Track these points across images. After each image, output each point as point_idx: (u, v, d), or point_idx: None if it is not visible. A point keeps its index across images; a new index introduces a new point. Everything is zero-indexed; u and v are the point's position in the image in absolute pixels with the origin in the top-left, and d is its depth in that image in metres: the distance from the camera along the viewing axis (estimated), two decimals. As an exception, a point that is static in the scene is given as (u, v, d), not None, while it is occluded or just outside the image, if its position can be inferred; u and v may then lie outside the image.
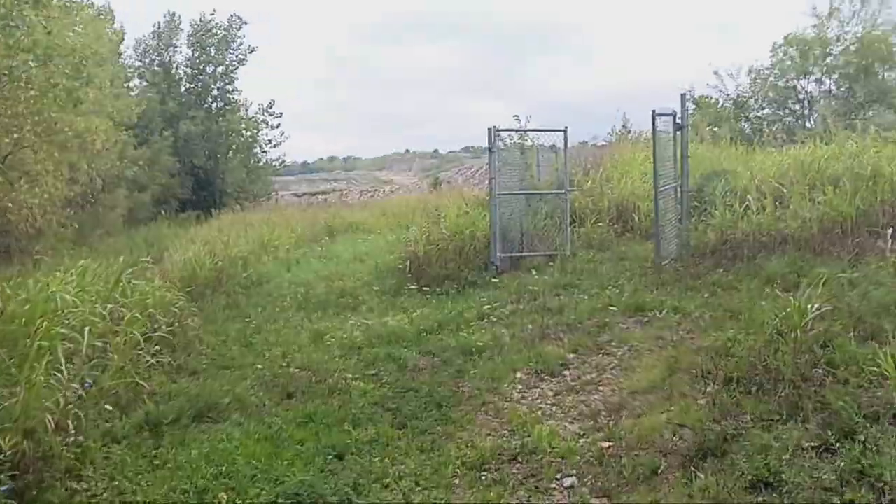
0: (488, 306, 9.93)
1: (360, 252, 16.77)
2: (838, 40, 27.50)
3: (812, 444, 4.63)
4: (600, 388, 6.71)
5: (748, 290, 8.97)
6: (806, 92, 28.59)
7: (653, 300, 9.00)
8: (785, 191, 13.60)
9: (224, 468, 5.54)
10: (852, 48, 26.59)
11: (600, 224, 14.62)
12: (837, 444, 4.50)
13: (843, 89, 27.33)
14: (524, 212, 13.97)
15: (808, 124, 27.27)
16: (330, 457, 5.68)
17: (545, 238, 13.48)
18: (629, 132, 24.00)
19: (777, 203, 12.76)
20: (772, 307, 7.26)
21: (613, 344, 7.82)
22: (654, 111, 11.26)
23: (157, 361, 7.92)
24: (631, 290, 9.67)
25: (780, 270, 9.41)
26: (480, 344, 8.20)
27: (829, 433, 4.64)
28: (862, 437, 4.51)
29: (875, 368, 5.31)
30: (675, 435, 5.27)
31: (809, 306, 6.14)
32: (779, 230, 10.94)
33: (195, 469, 5.52)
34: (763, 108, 29.29)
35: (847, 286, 7.72)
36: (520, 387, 7.01)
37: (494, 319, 9.40)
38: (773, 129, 28.07)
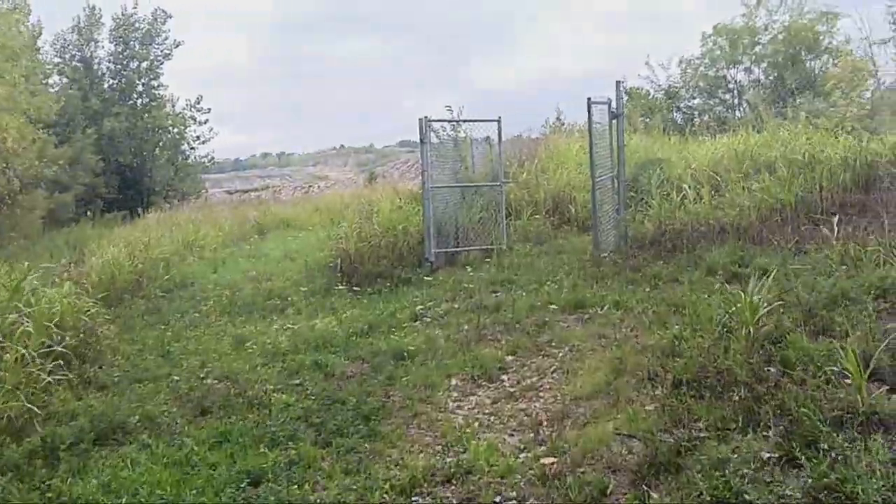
0: (422, 306, 9.40)
1: (291, 250, 16.14)
2: (766, 29, 27.76)
3: (773, 455, 4.21)
4: (541, 393, 6.23)
5: (690, 282, 8.63)
6: (735, 81, 28.81)
7: (593, 295, 8.58)
8: (720, 179, 13.44)
9: (124, 501, 4.91)
10: (780, 37, 26.85)
11: (537, 216, 14.24)
12: (801, 456, 4.08)
13: (771, 78, 27.57)
14: (459, 205, 13.49)
15: (738, 113, 27.47)
16: (244, 483, 5.07)
17: (481, 232, 13.02)
18: (563, 124, 23.83)
19: (714, 192, 12.57)
20: (718, 301, 6.89)
21: (554, 344, 7.36)
22: (589, 99, 10.88)
23: (63, 376, 7.21)
24: (570, 285, 9.25)
25: (721, 261, 9.10)
26: (413, 347, 7.67)
27: (791, 443, 4.23)
28: (826, 447, 4.12)
29: (833, 367, 4.95)
30: (623, 447, 4.82)
31: (760, 300, 5.75)
32: (717, 219, 10.68)
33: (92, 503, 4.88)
34: (694, 98, 29.41)
35: (793, 277, 7.39)
36: (455, 394, 6.50)
37: (428, 320, 8.88)
38: (705, 118, 28.25)
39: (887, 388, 4.68)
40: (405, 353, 7.50)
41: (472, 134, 15.48)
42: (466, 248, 12.56)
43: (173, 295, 12.54)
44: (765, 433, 4.48)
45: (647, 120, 25.88)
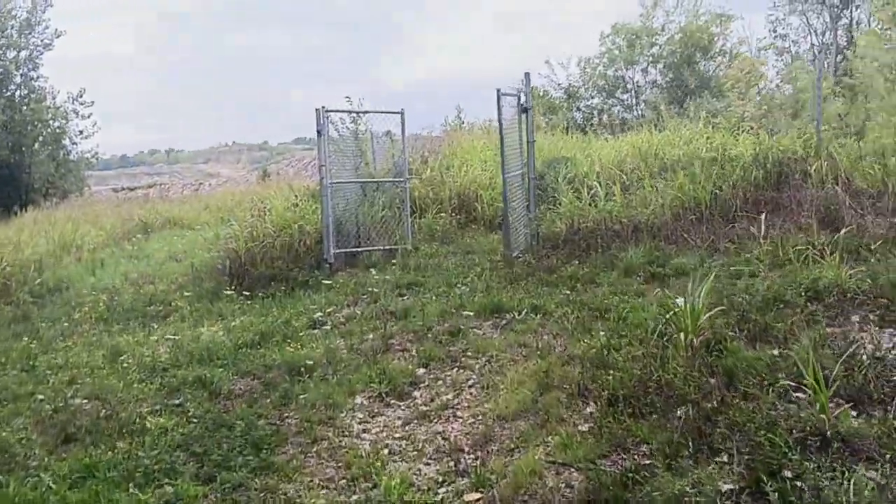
0: (321, 312, 8.56)
1: (177, 250, 15.03)
2: (663, 30, 28.08)
3: (735, 487, 3.63)
4: (459, 413, 5.51)
5: (609, 284, 8.14)
6: (633, 82, 29.03)
7: (509, 299, 7.91)
8: (626, 177, 13.14)
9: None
10: (676, 38, 27.18)
11: (442, 215, 13.59)
12: (766, 486, 3.52)
13: (668, 78, 27.89)
14: (360, 203, 12.69)
15: (636, 113, 27.66)
16: (107, 534, 4.16)
17: (384, 231, 12.24)
18: (462, 122, 23.36)
19: (623, 190, 12.23)
20: (644, 305, 6.37)
21: (470, 354, 6.64)
22: (498, 90, 10.27)
23: None
24: (483, 288, 8.59)
25: (638, 261, 8.68)
26: (311, 360, 6.80)
27: (753, 471, 3.66)
28: (792, 475, 3.58)
29: (788, 382, 4.44)
30: (559, 479, 4.15)
31: (700, 305, 5.22)
32: (630, 217, 10.29)
33: None
34: (593, 98, 29.45)
35: (722, 279, 6.96)
36: (360, 415, 5.72)
37: (328, 328, 8.05)
38: (604, 117, 28.38)
39: (849, 404, 4.18)
40: (302, 367, 6.64)
41: (372, 128, 14.75)
42: (369, 249, 11.78)
43: (45, 300, 11.37)
44: (721, 459, 3.90)
45: (549, 119, 25.72)
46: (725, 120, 18.05)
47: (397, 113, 12.28)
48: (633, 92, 28.71)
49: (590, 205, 10.94)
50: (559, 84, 29.05)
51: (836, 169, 9.54)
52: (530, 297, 7.90)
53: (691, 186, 10.23)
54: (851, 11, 25.67)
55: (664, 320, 5.52)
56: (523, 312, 7.40)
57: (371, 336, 7.46)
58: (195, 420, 5.78)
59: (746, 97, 19.81)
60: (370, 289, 9.31)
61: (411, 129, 13.01)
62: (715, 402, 4.43)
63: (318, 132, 11.41)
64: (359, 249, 11.82)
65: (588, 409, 4.94)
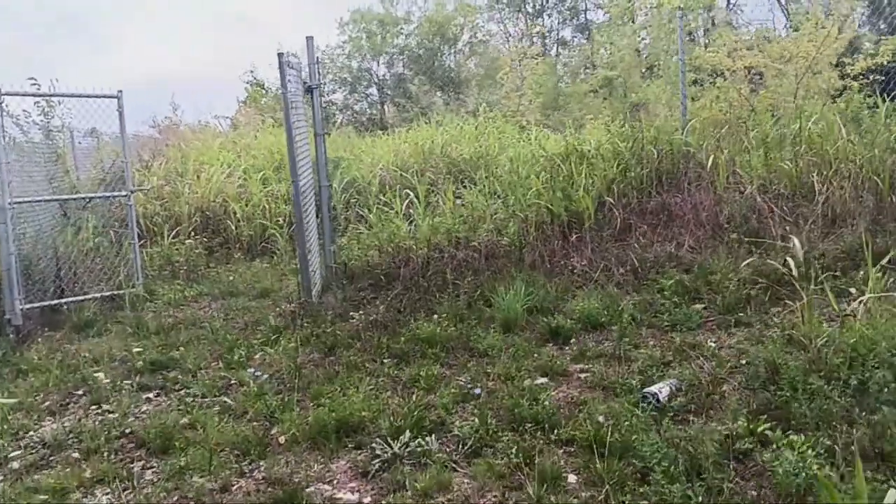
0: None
1: None
2: (407, 20, 25.74)
3: None
4: None
5: (493, 350, 5.20)
6: (377, 75, 26.42)
7: (362, 402, 4.46)
8: (415, 182, 10.41)
9: None
10: (425, 26, 24.94)
11: (187, 241, 9.80)
12: None
13: (412, 71, 25.60)
14: (61, 229, 8.59)
15: (386, 108, 25.07)
16: None
17: (99, 268, 8.30)
18: (178, 124, 19.00)
19: (435, 198, 9.36)
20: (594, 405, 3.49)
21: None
22: (280, 55, 6.97)
23: None
24: (289, 371, 5.19)
25: (518, 306, 5.82)
26: None
27: None
28: None
29: None
30: None
31: None
32: (473, 238, 7.37)
33: None
34: (335, 92, 26.36)
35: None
36: None
37: (15, 467, 4.20)
38: (348, 114, 25.55)
39: None
40: None
41: (72, 123, 10.43)
42: (79, 298, 7.79)
43: None
44: None
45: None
46: (501, 113, 15.94)
47: (112, 97, 8.33)
48: (378, 85, 26.06)
49: (409, 222, 7.88)
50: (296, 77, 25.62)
51: (730, 164, 7.39)
52: (380, 396, 4.61)
53: (555, 193, 7.49)
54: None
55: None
56: (404, 437, 4.01)
57: (100, 496, 3.77)
58: None
59: (522, 88, 17.98)
60: (89, 373, 5.54)
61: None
62: None
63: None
64: (62, 301, 7.78)
65: None
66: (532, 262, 6.53)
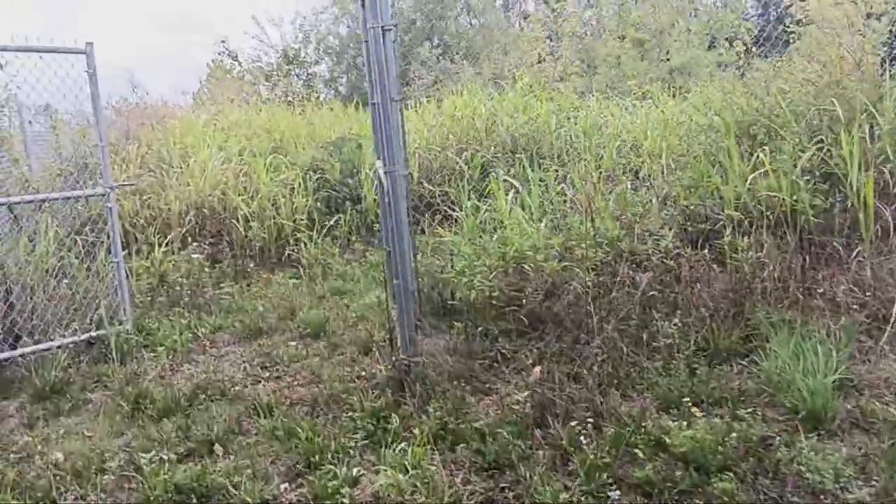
0: None
1: None
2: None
3: None
4: None
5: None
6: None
7: None
8: (463, 165, 7.99)
9: None
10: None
11: (184, 250, 7.29)
12: None
13: (409, 35, 22.82)
14: (10, 243, 6.02)
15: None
16: None
17: (67, 298, 5.80)
18: (145, 105, 16.14)
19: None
20: None
21: None
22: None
23: None
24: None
25: (816, 379, 3.47)
26: None
27: None
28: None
29: None
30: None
31: None
32: (629, 251, 4.93)
33: None
34: (318, 63, 23.46)
35: None
36: None
37: None
38: (337, 85, 22.88)
39: None
40: None
41: (20, 97, 7.78)
42: (40, 347, 5.29)
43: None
44: None
45: (273, 87, 19.50)
46: (537, 80, 13.40)
47: (79, 51, 5.73)
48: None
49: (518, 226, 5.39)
50: (272, 46, 22.79)
51: None
52: None
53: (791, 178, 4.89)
54: None
55: None
56: None
57: None
58: None
59: (558, 51, 15.54)
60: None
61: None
62: None
63: None
64: (16, 353, 5.25)
65: None
66: (764, 290, 4.13)
